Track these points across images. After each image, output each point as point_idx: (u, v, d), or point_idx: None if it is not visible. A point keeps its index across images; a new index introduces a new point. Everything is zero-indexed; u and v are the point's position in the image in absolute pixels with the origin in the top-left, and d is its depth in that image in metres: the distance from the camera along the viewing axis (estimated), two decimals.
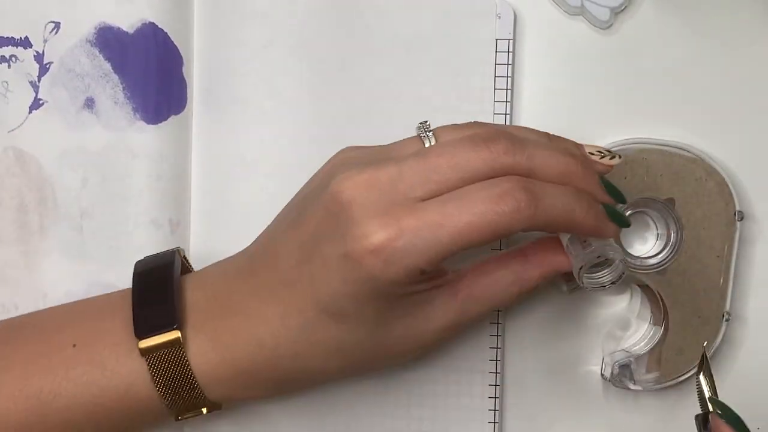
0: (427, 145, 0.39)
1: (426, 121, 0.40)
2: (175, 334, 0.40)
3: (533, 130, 0.41)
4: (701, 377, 0.40)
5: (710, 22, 0.48)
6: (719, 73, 0.48)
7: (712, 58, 0.48)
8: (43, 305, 0.47)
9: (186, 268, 0.45)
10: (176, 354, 0.40)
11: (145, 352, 0.40)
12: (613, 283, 0.41)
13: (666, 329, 0.47)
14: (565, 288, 0.47)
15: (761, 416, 0.47)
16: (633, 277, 0.47)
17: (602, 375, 0.48)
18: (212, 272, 0.43)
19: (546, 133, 0.41)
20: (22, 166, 0.47)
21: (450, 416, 0.47)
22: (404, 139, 0.40)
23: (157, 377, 0.40)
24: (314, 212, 0.39)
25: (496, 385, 0.47)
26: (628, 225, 0.41)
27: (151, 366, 0.40)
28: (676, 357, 0.47)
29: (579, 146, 0.41)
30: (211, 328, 0.41)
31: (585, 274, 0.40)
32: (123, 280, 0.46)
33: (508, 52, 0.47)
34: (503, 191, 0.36)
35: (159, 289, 0.42)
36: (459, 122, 0.48)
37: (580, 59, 0.48)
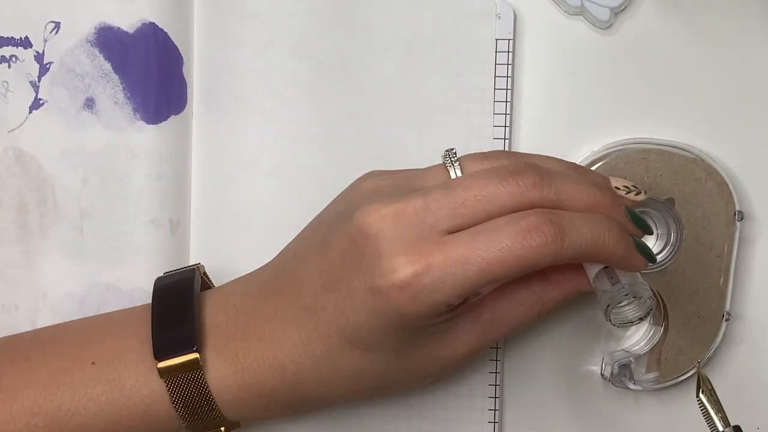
0: (452, 174, 0.39)
1: (452, 149, 0.40)
2: (193, 356, 0.40)
3: (560, 160, 0.40)
4: (702, 397, 0.40)
5: (710, 22, 0.48)
6: (719, 73, 0.48)
7: (712, 58, 0.48)
8: (43, 305, 0.47)
9: (206, 284, 0.45)
10: (195, 376, 0.40)
11: (163, 374, 0.40)
12: (641, 319, 0.40)
13: (666, 329, 0.47)
14: (607, 375, 0.47)
15: (761, 416, 0.47)
16: None
17: (602, 375, 0.48)
18: (234, 290, 0.43)
19: (573, 164, 0.41)
20: (22, 166, 0.47)
21: (450, 416, 0.47)
22: (430, 167, 0.40)
23: (175, 398, 0.40)
24: (339, 241, 0.38)
25: (496, 385, 0.47)
26: (655, 261, 0.41)
27: (169, 387, 0.40)
28: (676, 357, 0.47)
29: (606, 179, 0.41)
30: (232, 351, 0.40)
31: (613, 311, 0.40)
32: (123, 280, 0.47)
33: (508, 52, 0.47)
34: (530, 225, 0.36)
35: (178, 309, 0.41)
36: (458, 121, 0.48)
37: (580, 59, 0.48)
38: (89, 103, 0.47)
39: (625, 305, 0.40)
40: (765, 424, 0.47)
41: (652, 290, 0.40)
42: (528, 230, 0.36)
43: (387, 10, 0.48)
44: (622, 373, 0.47)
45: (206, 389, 0.40)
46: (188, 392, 0.40)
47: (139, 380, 0.40)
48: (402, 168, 0.42)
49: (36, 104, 0.47)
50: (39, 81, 0.47)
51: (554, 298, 0.41)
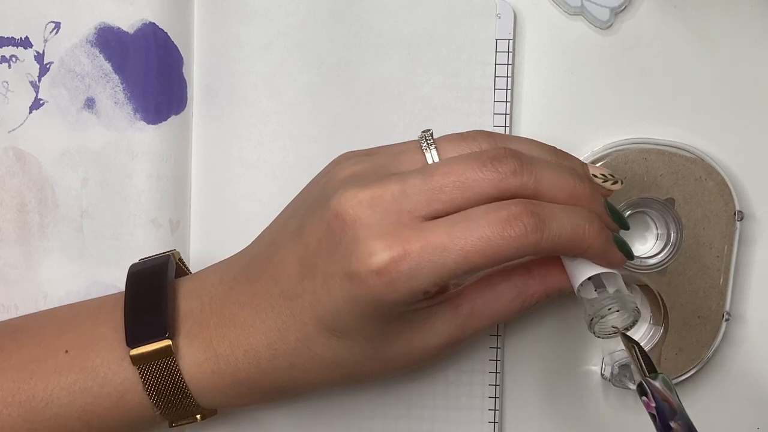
0: (429, 158, 0.38)
1: (429, 130, 0.40)
2: (165, 343, 0.40)
3: (539, 144, 0.40)
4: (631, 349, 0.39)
5: (710, 22, 0.48)
6: (719, 73, 0.48)
7: (712, 58, 0.48)
8: (43, 305, 0.47)
9: (182, 270, 0.45)
10: (168, 363, 0.40)
11: (136, 361, 0.40)
12: (626, 329, 0.40)
13: (666, 329, 0.47)
14: (607, 375, 0.47)
15: (761, 416, 0.47)
16: (633, 277, 0.47)
17: (602, 375, 0.48)
18: (209, 277, 0.42)
19: (552, 147, 0.40)
20: (23, 166, 0.47)
21: (450, 416, 0.47)
22: (405, 148, 0.40)
23: (149, 386, 0.40)
24: (315, 227, 0.38)
25: (496, 385, 0.47)
26: (632, 258, 0.40)
27: (142, 375, 0.40)
28: (676, 357, 0.47)
29: (585, 166, 0.40)
30: (206, 337, 0.40)
31: (597, 322, 0.39)
32: (123, 280, 0.46)
33: (508, 52, 0.47)
34: (510, 214, 0.36)
35: (151, 296, 0.41)
36: (459, 121, 0.48)
37: (580, 59, 0.48)
38: (89, 103, 0.47)
39: (609, 316, 0.39)
40: (765, 424, 0.47)
41: (637, 304, 0.39)
42: (508, 220, 0.35)
43: (387, 10, 0.48)
44: (622, 373, 0.47)
45: (179, 376, 0.40)
46: (161, 380, 0.40)
47: (111, 368, 0.40)
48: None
49: (36, 104, 0.47)
50: (39, 81, 0.47)
51: (536, 293, 0.40)
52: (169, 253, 0.44)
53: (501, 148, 0.38)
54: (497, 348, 0.47)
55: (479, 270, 0.37)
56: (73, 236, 0.47)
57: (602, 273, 0.39)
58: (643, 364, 0.39)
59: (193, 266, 0.48)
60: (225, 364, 0.40)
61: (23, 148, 0.47)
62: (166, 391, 0.40)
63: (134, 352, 0.40)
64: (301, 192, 0.42)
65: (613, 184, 0.40)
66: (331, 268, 0.37)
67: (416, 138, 0.40)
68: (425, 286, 0.36)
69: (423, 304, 0.39)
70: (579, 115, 0.48)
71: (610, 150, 0.47)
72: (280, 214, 0.42)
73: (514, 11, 0.47)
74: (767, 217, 0.48)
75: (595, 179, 0.40)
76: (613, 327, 0.39)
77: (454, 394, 0.47)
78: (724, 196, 0.46)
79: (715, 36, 0.48)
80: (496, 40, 0.47)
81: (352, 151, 0.41)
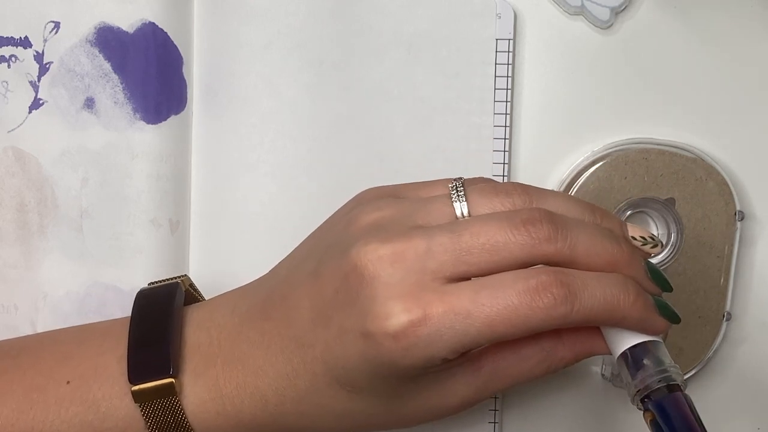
0: (458, 211, 0.36)
1: (459, 179, 0.38)
2: (169, 381, 0.38)
3: (577, 201, 0.37)
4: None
5: (710, 22, 0.48)
6: (719, 73, 0.48)
7: (712, 58, 0.48)
8: (43, 305, 0.47)
9: (192, 296, 0.43)
10: (171, 402, 0.38)
11: (138, 398, 0.38)
12: None
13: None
14: (607, 375, 0.46)
15: (761, 416, 0.47)
16: None
17: (602, 375, 0.48)
18: (220, 308, 0.40)
19: (591, 206, 0.37)
20: (22, 166, 0.47)
21: (450, 416, 0.47)
22: (434, 196, 0.38)
23: (151, 424, 0.38)
24: (333, 276, 0.36)
25: None
26: (679, 321, 0.37)
27: (144, 412, 0.38)
28: (676, 357, 0.46)
29: (623, 227, 0.38)
30: (212, 376, 0.38)
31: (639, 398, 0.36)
32: (123, 280, 0.46)
33: (508, 52, 0.47)
34: (540, 284, 0.33)
35: (156, 328, 0.39)
36: (459, 121, 0.48)
37: (580, 59, 0.48)
38: (89, 103, 0.47)
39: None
40: (765, 424, 0.47)
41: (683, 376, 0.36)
42: (537, 290, 0.33)
43: (387, 10, 0.48)
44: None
45: (182, 416, 0.38)
46: (164, 418, 0.38)
47: (113, 403, 0.38)
48: (401, 182, 0.40)
49: (36, 104, 0.47)
50: (39, 81, 0.47)
51: (564, 358, 0.38)
52: (179, 279, 0.42)
53: (535, 209, 0.35)
54: None
55: (504, 339, 0.35)
56: (73, 236, 0.47)
57: (643, 342, 0.36)
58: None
59: (193, 267, 0.48)
60: (230, 406, 0.38)
61: (23, 148, 0.47)
62: (169, 430, 0.38)
63: (136, 388, 0.38)
64: (320, 227, 0.40)
65: (653, 247, 0.38)
66: (347, 322, 0.35)
67: (445, 179, 0.38)
68: (444, 353, 0.34)
69: (441, 367, 0.37)
70: (579, 115, 0.48)
71: (610, 150, 0.47)
72: (298, 246, 0.41)
73: (514, 11, 0.47)
74: (767, 217, 0.48)
75: (634, 241, 0.38)
76: None
77: None
78: (725, 196, 0.46)
79: (715, 36, 0.48)
80: (496, 40, 0.47)
81: (375, 189, 0.40)
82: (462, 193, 0.37)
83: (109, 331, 0.41)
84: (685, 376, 0.47)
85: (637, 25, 0.48)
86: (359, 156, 0.47)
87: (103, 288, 0.47)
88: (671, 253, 0.46)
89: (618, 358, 0.37)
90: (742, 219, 0.46)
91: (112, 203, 0.47)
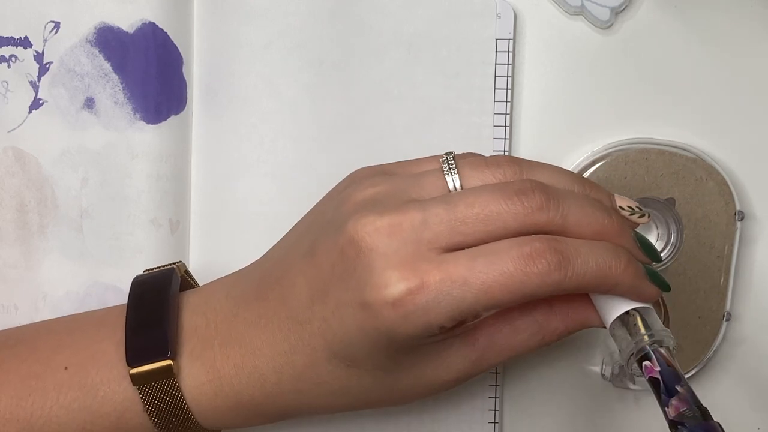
0: (450, 183, 0.37)
1: (451, 153, 0.38)
2: (167, 363, 0.38)
3: (566, 173, 0.38)
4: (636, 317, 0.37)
5: (710, 22, 0.48)
6: (719, 73, 0.48)
7: (712, 58, 0.48)
8: (43, 305, 0.47)
9: (188, 283, 0.44)
10: (169, 384, 0.38)
11: (136, 381, 0.38)
12: None
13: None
14: (607, 375, 0.47)
15: (761, 416, 0.47)
16: None
17: (602, 375, 0.48)
18: (215, 293, 0.41)
19: (580, 177, 0.39)
20: (22, 166, 0.47)
21: (450, 416, 0.47)
22: (426, 171, 0.38)
23: (149, 407, 0.39)
24: (329, 251, 0.37)
25: (496, 386, 0.47)
26: (668, 289, 0.38)
27: (143, 395, 0.38)
28: (676, 357, 0.47)
29: (611, 197, 0.39)
30: (210, 357, 0.39)
31: (634, 363, 0.37)
32: (123, 280, 0.46)
33: (508, 52, 0.47)
34: (534, 251, 0.34)
35: (153, 312, 0.40)
36: (459, 121, 0.48)
37: (580, 59, 0.48)
38: (89, 103, 0.47)
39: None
40: (765, 424, 0.47)
41: (676, 341, 0.37)
42: (531, 256, 0.34)
43: (387, 10, 0.48)
44: (622, 373, 0.47)
45: (181, 397, 0.39)
46: (162, 400, 0.38)
47: (111, 387, 0.39)
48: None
49: (36, 104, 0.47)
50: (39, 81, 0.47)
51: (557, 329, 0.39)
52: (174, 265, 0.43)
53: (527, 180, 0.36)
54: None
55: (500, 307, 0.36)
56: (73, 236, 0.47)
57: (634, 309, 0.37)
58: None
59: (193, 266, 0.48)
60: (228, 387, 0.39)
61: (23, 148, 0.47)
62: (167, 413, 0.39)
63: (134, 371, 0.38)
64: (314, 208, 0.41)
65: (640, 217, 0.39)
66: (344, 296, 0.36)
67: (436, 155, 0.39)
68: (442, 320, 0.35)
69: (438, 337, 0.38)
70: (579, 114, 0.48)
71: (610, 150, 0.47)
72: (291, 229, 0.41)
73: (514, 11, 0.47)
74: (767, 217, 0.48)
75: (622, 211, 0.39)
76: None
77: (454, 394, 0.47)
78: (725, 196, 0.46)
79: (715, 36, 0.48)
80: (496, 40, 0.47)
81: (369, 168, 0.40)
82: (453, 166, 0.38)
83: (105, 319, 0.42)
84: (685, 376, 0.47)
85: (637, 25, 0.48)
86: (359, 156, 0.47)
87: (103, 288, 0.47)
88: (671, 253, 0.46)
89: (610, 325, 0.37)
90: (742, 219, 0.46)
91: (112, 203, 0.47)
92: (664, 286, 0.38)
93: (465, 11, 0.47)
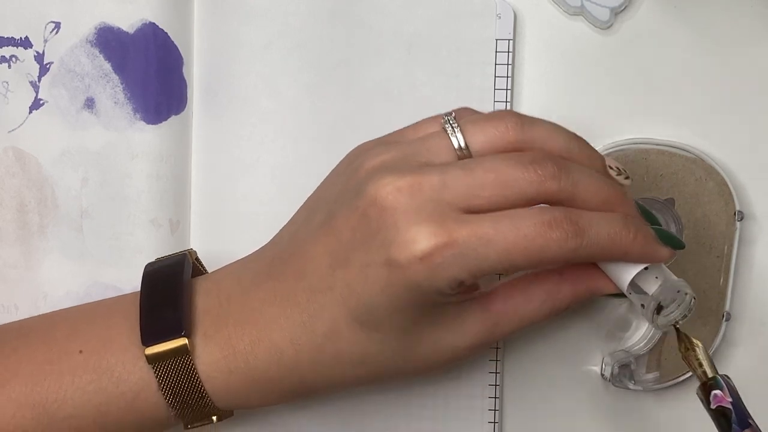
0: (455, 142, 0.38)
1: (450, 113, 0.39)
2: (182, 342, 0.39)
3: (561, 129, 0.40)
4: (697, 350, 0.39)
5: (710, 22, 0.48)
6: (719, 73, 0.48)
7: (712, 58, 0.48)
8: (43, 305, 0.47)
9: (199, 270, 0.44)
10: (184, 362, 0.39)
11: (151, 360, 0.39)
12: (684, 317, 0.40)
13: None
14: (607, 375, 0.47)
15: (761, 416, 0.47)
16: None
17: (602, 375, 0.48)
18: (227, 276, 0.42)
19: (574, 135, 0.40)
20: (22, 166, 0.47)
21: (450, 416, 0.47)
22: (428, 133, 0.39)
23: (164, 386, 0.39)
24: (347, 217, 0.37)
25: (496, 385, 0.47)
26: (683, 246, 0.40)
27: (158, 374, 0.39)
28: (676, 357, 0.47)
29: (603, 160, 0.41)
30: (224, 335, 0.39)
31: (658, 318, 0.39)
32: (123, 280, 0.47)
33: (508, 52, 0.47)
34: (554, 219, 0.36)
35: (167, 294, 0.40)
36: None
37: (580, 59, 0.48)
38: (89, 103, 0.47)
39: (666, 310, 0.39)
40: (765, 424, 0.47)
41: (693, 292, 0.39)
42: (551, 224, 0.36)
43: (387, 10, 0.48)
44: (622, 373, 0.47)
45: (195, 376, 0.39)
46: (177, 379, 0.39)
47: (126, 368, 0.40)
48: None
49: (36, 104, 0.47)
50: (39, 81, 0.47)
51: (566, 296, 0.40)
52: (186, 252, 0.43)
53: (539, 151, 0.38)
54: (497, 348, 0.47)
55: (518, 269, 0.37)
56: (73, 236, 0.47)
57: (646, 267, 0.39)
58: (711, 360, 0.39)
59: None
60: (243, 363, 0.39)
61: (23, 148, 0.47)
62: (182, 392, 0.39)
63: (149, 350, 0.39)
64: (319, 187, 0.41)
65: (625, 179, 0.41)
66: (368, 257, 0.36)
67: (434, 116, 0.40)
68: (466, 275, 0.36)
69: (455, 298, 0.38)
70: (579, 115, 0.48)
71: (610, 150, 0.47)
72: (297, 212, 0.42)
73: (514, 11, 0.47)
74: (767, 217, 0.48)
75: (610, 171, 0.40)
76: (674, 318, 0.40)
77: (454, 394, 0.47)
78: (724, 196, 0.46)
79: (715, 36, 0.48)
80: (496, 40, 0.47)
81: (369, 141, 0.41)
82: (456, 125, 0.38)
83: (119, 305, 0.42)
84: (685, 376, 0.47)
85: (637, 25, 0.48)
86: None
87: (103, 288, 0.47)
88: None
89: (627, 287, 0.39)
90: (741, 219, 0.46)
91: (112, 203, 0.47)
92: (678, 244, 0.40)
93: (465, 11, 0.47)
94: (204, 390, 0.39)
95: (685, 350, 0.40)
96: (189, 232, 0.48)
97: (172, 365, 0.39)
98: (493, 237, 0.35)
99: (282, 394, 0.41)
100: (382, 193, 0.36)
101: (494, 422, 0.47)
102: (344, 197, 0.38)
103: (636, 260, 0.38)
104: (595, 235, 0.36)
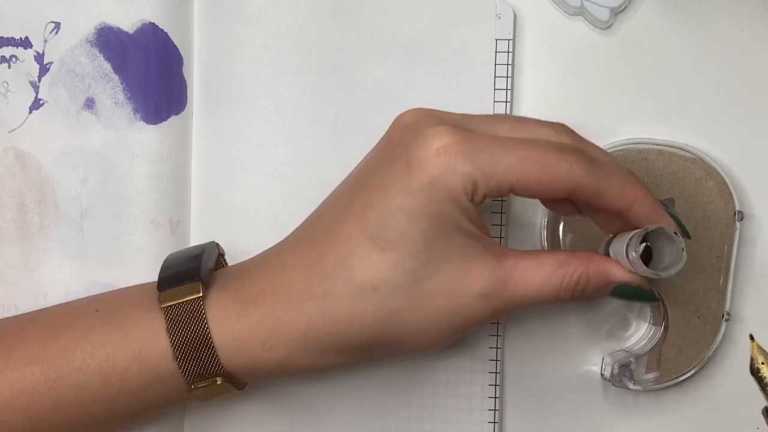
0: None
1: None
2: (195, 285, 0.40)
3: (564, 129, 0.41)
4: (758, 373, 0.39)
5: (710, 22, 0.48)
6: (719, 73, 0.48)
7: (712, 58, 0.48)
8: (43, 305, 0.47)
9: (221, 265, 0.45)
10: (194, 306, 0.40)
11: (163, 300, 0.40)
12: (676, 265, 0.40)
13: (666, 329, 0.47)
14: (607, 375, 0.47)
15: (760, 416, 0.47)
16: None
17: (602, 375, 0.48)
18: (249, 266, 0.42)
19: (561, 125, 0.41)
20: (22, 166, 0.47)
21: (450, 416, 0.47)
22: None
23: (172, 329, 0.40)
24: (374, 152, 0.41)
25: (496, 385, 0.47)
26: (689, 236, 0.42)
27: (168, 319, 0.40)
28: (676, 357, 0.47)
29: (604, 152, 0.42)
30: (238, 284, 0.41)
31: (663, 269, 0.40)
32: (123, 280, 0.47)
33: (508, 52, 0.47)
34: (567, 147, 0.38)
35: (190, 256, 0.43)
36: None
37: (580, 59, 0.48)
38: (89, 103, 0.47)
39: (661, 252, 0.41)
40: (765, 424, 0.47)
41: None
42: (565, 150, 0.38)
43: (387, 11, 0.48)
44: (622, 373, 0.47)
45: (204, 320, 0.40)
46: (185, 323, 0.40)
47: (136, 319, 0.40)
48: None
49: (36, 104, 0.47)
50: (39, 81, 0.47)
51: (576, 270, 0.40)
52: (214, 242, 0.45)
53: (577, 138, 0.41)
54: (497, 348, 0.47)
55: (526, 188, 0.38)
56: (73, 236, 0.47)
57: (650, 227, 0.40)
58: None
59: None
60: (253, 304, 0.40)
61: (23, 148, 0.47)
62: (189, 338, 0.40)
63: (163, 295, 0.40)
64: (336, 191, 0.42)
65: None
66: (388, 169, 0.39)
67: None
68: (478, 175, 0.37)
69: (467, 224, 0.39)
70: (579, 115, 0.48)
71: (610, 150, 0.47)
72: (320, 206, 0.42)
73: (514, 11, 0.47)
74: (767, 217, 0.48)
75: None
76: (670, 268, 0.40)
77: (454, 394, 0.47)
78: (724, 196, 0.46)
79: (715, 36, 0.48)
80: (496, 40, 0.47)
81: (417, 113, 0.42)
82: None
83: (136, 286, 0.45)
84: (685, 376, 0.47)
85: (637, 25, 0.48)
86: (359, 156, 0.47)
87: (103, 288, 0.47)
88: None
89: (626, 245, 0.40)
90: (741, 219, 0.46)
91: (112, 203, 0.47)
92: (686, 233, 0.42)
93: (465, 12, 0.47)
94: (210, 338, 0.40)
95: (758, 369, 0.39)
96: (189, 232, 0.48)
97: (182, 309, 0.40)
98: (509, 144, 0.38)
99: (287, 344, 0.40)
100: (407, 116, 0.40)
101: (494, 422, 0.47)
102: (385, 163, 0.40)
103: (644, 216, 0.40)
104: (604, 175, 0.38)
